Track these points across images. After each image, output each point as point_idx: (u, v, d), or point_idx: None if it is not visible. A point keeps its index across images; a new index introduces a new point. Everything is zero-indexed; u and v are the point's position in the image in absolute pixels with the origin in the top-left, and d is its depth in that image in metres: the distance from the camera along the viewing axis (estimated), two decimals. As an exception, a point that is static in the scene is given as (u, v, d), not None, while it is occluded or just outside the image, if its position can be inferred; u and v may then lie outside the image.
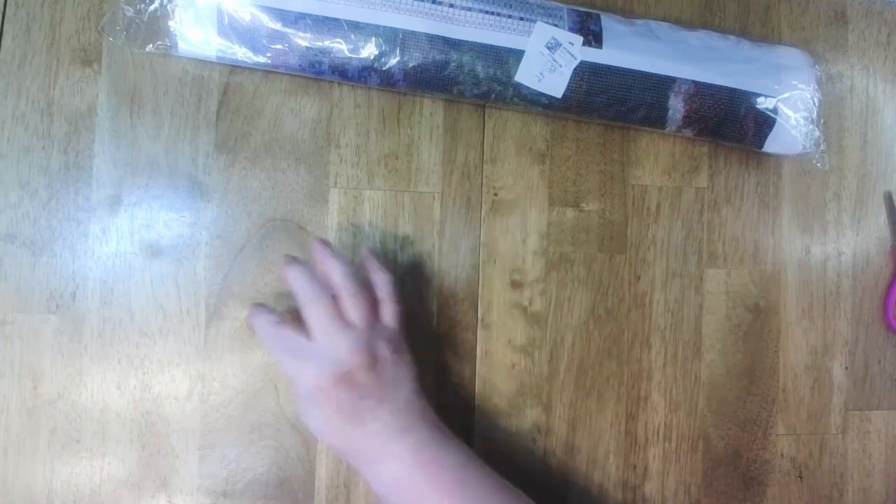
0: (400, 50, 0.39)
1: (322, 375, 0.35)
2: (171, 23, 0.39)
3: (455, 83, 0.41)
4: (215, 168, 0.43)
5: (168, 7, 0.39)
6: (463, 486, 0.35)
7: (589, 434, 0.45)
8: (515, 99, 0.42)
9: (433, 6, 0.39)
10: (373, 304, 0.38)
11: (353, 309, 0.37)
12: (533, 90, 0.41)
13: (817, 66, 0.45)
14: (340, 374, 0.35)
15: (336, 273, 0.37)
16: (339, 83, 0.43)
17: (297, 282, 0.37)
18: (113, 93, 0.42)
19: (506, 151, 0.46)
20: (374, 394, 0.35)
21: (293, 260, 0.38)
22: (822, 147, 0.45)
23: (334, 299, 0.37)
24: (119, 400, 0.41)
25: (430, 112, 0.45)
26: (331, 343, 0.35)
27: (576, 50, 0.41)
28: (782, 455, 0.48)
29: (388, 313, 0.38)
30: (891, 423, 0.49)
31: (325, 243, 0.38)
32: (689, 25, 0.45)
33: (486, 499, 0.36)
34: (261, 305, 0.38)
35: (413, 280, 0.44)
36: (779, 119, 0.43)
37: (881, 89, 0.51)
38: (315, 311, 0.36)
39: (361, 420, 0.35)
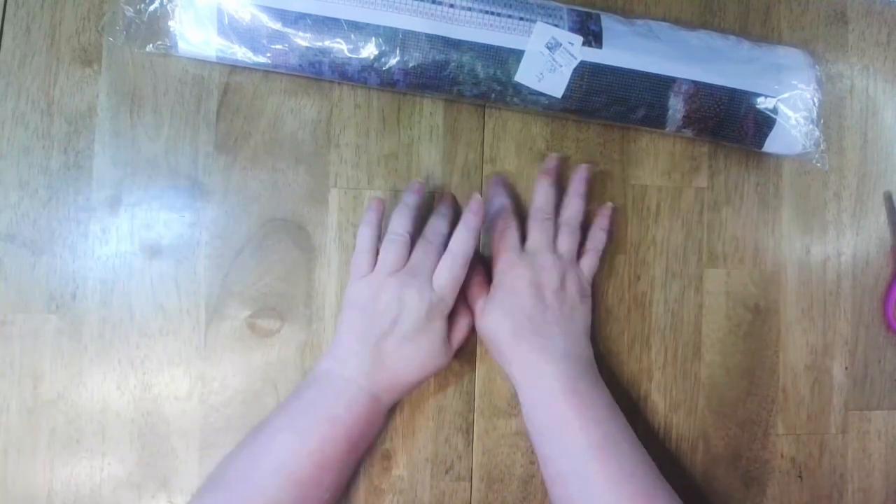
0: (400, 50, 0.39)
1: (521, 275, 0.41)
2: (171, 23, 0.39)
3: (455, 83, 0.41)
4: (215, 168, 0.43)
5: (168, 7, 0.39)
6: (603, 423, 0.39)
7: (589, 434, 0.45)
8: (515, 99, 0.42)
9: (433, 6, 0.39)
10: (580, 249, 0.43)
11: (567, 243, 0.42)
12: (533, 90, 0.41)
13: (817, 66, 0.45)
14: (534, 282, 0.40)
15: (572, 210, 0.43)
16: (339, 83, 0.43)
17: (542, 196, 0.43)
18: (113, 93, 0.42)
19: (506, 151, 0.46)
20: (553, 315, 0.41)
21: (546, 174, 0.44)
22: (822, 147, 0.45)
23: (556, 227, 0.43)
24: (119, 400, 0.41)
25: (430, 112, 0.45)
26: (538, 256, 0.41)
27: (576, 50, 0.41)
28: (782, 455, 0.48)
29: (589, 263, 0.43)
30: (891, 423, 0.49)
31: (585, 178, 0.44)
32: (689, 25, 0.45)
33: (619, 440, 0.39)
34: (502, 189, 0.44)
35: (413, 280, 0.44)
36: (779, 119, 0.43)
37: (881, 89, 0.51)
38: (540, 229, 0.42)
39: (537, 330, 0.40)
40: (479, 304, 0.42)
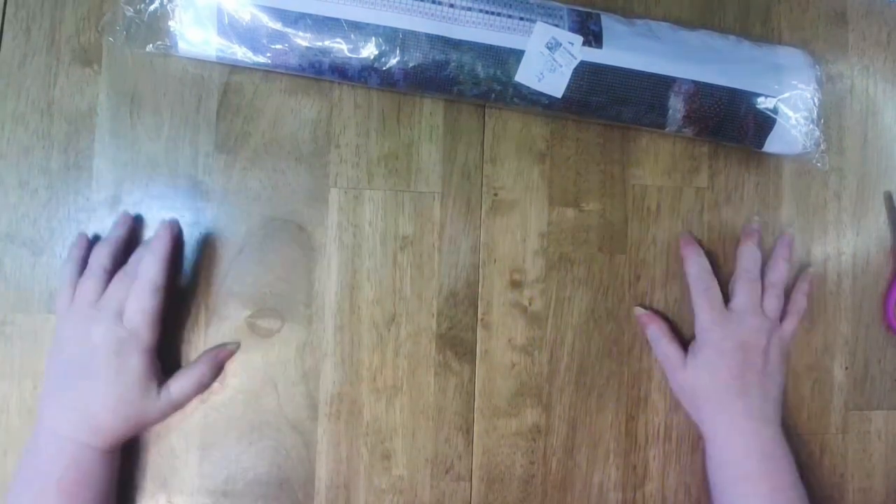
0: (400, 50, 0.39)
1: (729, 335, 0.42)
2: (171, 23, 0.39)
3: (455, 83, 0.41)
4: (215, 168, 0.43)
5: (168, 7, 0.39)
6: (790, 489, 0.40)
7: (589, 434, 0.45)
8: (515, 99, 0.42)
9: (433, 6, 0.39)
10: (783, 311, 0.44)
11: (773, 305, 0.43)
12: (533, 90, 0.41)
13: (817, 66, 0.45)
14: (742, 342, 0.42)
15: (779, 273, 0.45)
16: (339, 83, 0.43)
17: (748, 257, 0.44)
18: (113, 93, 0.42)
19: (506, 151, 0.46)
20: (756, 376, 0.42)
21: (749, 236, 0.45)
22: (822, 147, 0.45)
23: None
24: (119, 400, 0.41)
25: (430, 112, 0.45)
26: (746, 316, 0.43)
27: (576, 50, 0.41)
28: (782, 455, 0.47)
29: (790, 326, 0.44)
30: (891, 423, 0.49)
31: (789, 244, 0.46)
32: (689, 25, 0.45)
33: None
34: (698, 248, 0.45)
35: (413, 280, 0.44)
36: (779, 119, 0.43)
37: (881, 89, 0.51)
38: (749, 290, 0.43)
39: (741, 390, 0.41)
40: (677, 360, 0.43)
